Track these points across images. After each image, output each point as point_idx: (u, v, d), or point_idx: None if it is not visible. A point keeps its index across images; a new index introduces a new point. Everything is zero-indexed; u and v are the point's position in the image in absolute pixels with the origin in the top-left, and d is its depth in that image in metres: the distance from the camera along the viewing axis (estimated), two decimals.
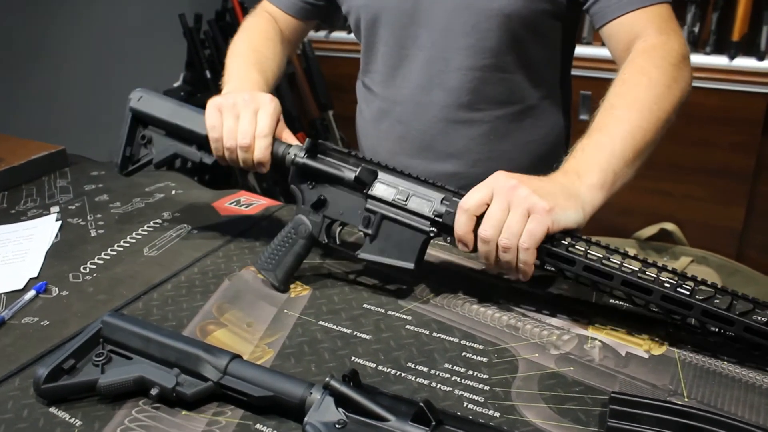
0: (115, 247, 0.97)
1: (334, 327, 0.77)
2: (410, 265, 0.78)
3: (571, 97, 1.14)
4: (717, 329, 0.68)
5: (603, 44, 1.99)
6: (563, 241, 0.71)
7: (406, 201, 0.78)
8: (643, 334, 0.74)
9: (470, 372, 0.68)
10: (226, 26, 2.46)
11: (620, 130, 0.79)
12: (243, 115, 0.84)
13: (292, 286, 0.85)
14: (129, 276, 0.89)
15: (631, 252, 0.70)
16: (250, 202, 1.12)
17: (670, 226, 2.29)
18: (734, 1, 2.04)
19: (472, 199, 0.72)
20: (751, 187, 2.19)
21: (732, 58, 2.06)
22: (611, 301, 0.80)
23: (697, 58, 2.03)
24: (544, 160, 1.08)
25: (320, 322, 0.78)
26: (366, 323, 0.77)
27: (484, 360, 0.70)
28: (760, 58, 2.03)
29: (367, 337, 0.75)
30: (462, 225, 0.73)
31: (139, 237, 1.00)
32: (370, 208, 0.79)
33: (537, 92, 1.04)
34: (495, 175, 0.74)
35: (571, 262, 0.70)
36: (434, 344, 0.73)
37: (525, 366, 0.69)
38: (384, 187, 0.79)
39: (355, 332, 0.76)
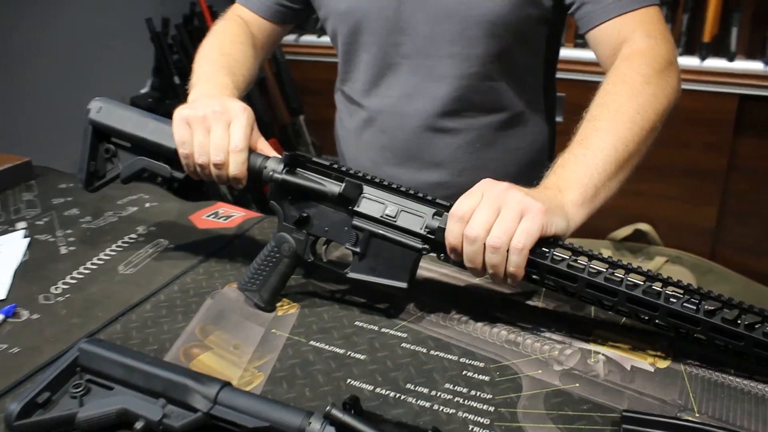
0: (88, 265, 0.92)
1: (327, 347, 0.73)
2: (403, 284, 0.75)
3: (555, 103, 1.12)
4: (724, 344, 0.66)
5: (577, 46, 1.98)
6: (563, 256, 0.68)
7: (395, 217, 0.74)
8: (646, 346, 0.72)
9: (473, 392, 0.66)
10: (194, 31, 2.40)
11: (601, 143, 0.77)
12: (215, 129, 0.78)
13: (278, 304, 0.81)
14: (105, 296, 0.84)
15: (607, 254, 0.68)
16: (228, 215, 1.07)
17: (644, 227, 2.30)
18: (704, 2, 2.06)
19: (463, 206, 0.69)
20: (724, 187, 2.21)
21: (703, 59, 2.08)
22: (609, 312, 0.78)
23: None
24: (531, 167, 1.06)
25: (311, 342, 0.74)
26: (359, 342, 0.74)
27: (486, 379, 0.68)
28: (731, 59, 2.06)
29: (362, 357, 0.71)
30: (455, 234, 0.70)
31: (113, 254, 0.95)
32: (357, 225, 0.76)
33: (523, 99, 1.02)
34: (484, 180, 0.72)
35: (572, 278, 0.68)
36: (433, 363, 0.70)
37: (529, 384, 0.67)
38: (371, 203, 0.75)
39: (349, 352, 0.72)
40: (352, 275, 0.76)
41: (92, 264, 0.92)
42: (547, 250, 0.69)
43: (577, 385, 0.67)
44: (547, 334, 0.74)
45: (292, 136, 2.69)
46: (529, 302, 0.81)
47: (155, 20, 2.29)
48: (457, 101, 0.98)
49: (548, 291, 0.82)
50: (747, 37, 2.08)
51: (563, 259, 0.68)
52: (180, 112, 0.80)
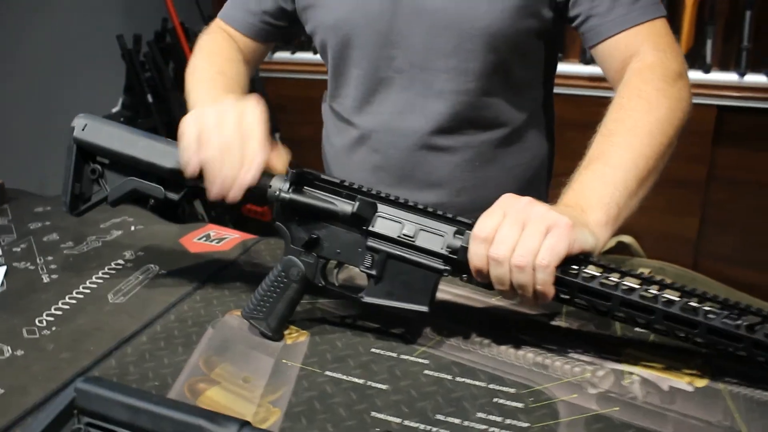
0: (74, 295, 0.85)
1: (344, 377, 0.68)
2: (424, 308, 0.70)
3: (553, 118, 1.09)
4: (766, 360, 0.63)
5: (560, 60, 1.91)
6: (594, 273, 0.65)
7: (413, 237, 0.69)
8: (680, 365, 0.68)
9: (507, 421, 0.61)
10: (167, 47, 2.33)
11: (621, 160, 0.74)
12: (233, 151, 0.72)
13: (286, 332, 0.76)
14: (95, 328, 0.78)
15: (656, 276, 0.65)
16: (221, 237, 1.02)
17: (627, 239, 2.29)
18: (679, 15, 2.08)
19: (485, 226, 0.65)
20: (704, 197, 2.23)
21: None
22: (636, 329, 0.75)
23: None
24: (530, 185, 1.03)
25: (327, 372, 0.69)
26: (379, 370, 0.69)
27: (520, 405, 0.63)
28: (706, 71, 2.08)
29: (383, 386, 0.66)
30: (480, 255, 0.66)
31: (101, 281, 0.88)
32: (373, 246, 0.71)
33: (522, 114, 0.99)
34: (504, 197, 0.68)
35: (605, 296, 0.64)
36: (460, 390, 0.66)
37: (566, 410, 0.63)
38: (387, 223, 0.70)
39: (369, 382, 0.67)
40: (367, 300, 0.72)
41: (78, 293, 0.85)
42: (577, 267, 0.65)
43: (617, 408, 0.63)
44: (576, 356, 0.70)
45: None
46: (553, 323, 0.77)
47: (126, 37, 2.21)
48: (453, 118, 0.94)
49: (570, 310, 0.78)
50: (720, 48, 2.11)
51: (594, 277, 0.65)
52: (189, 129, 0.74)
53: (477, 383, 0.67)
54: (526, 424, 0.61)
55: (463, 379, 0.67)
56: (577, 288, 0.65)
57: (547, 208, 0.65)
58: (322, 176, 0.72)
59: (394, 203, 0.70)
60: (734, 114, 2.09)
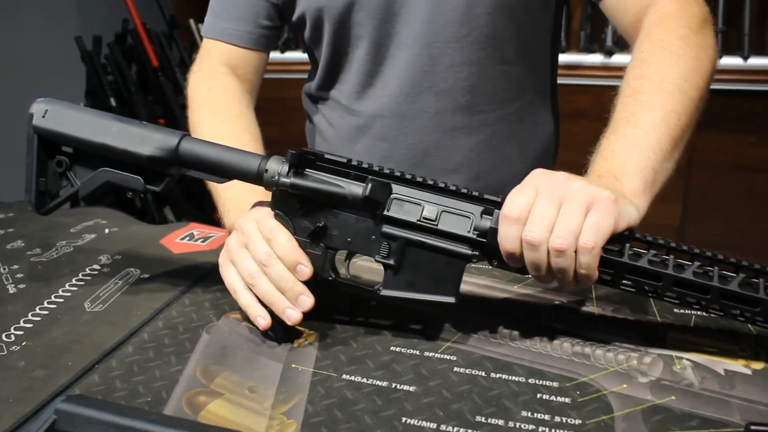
0: (45, 305, 0.75)
1: (365, 380, 0.60)
2: (450, 299, 0.62)
3: (557, 91, 1.03)
4: None
5: None
6: (641, 251, 0.58)
7: (435, 220, 0.62)
8: (732, 347, 0.62)
9: (558, 419, 0.54)
10: (128, 49, 2.22)
11: (652, 119, 0.68)
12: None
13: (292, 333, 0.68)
14: (72, 341, 0.68)
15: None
16: (205, 236, 0.93)
17: None
18: None
19: (517, 204, 0.58)
20: (686, 183, 2.21)
21: None
22: (676, 310, 0.69)
23: (624, 58, 2.02)
24: (542, 161, 0.97)
25: (345, 376, 0.61)
26: (403, 371, 0.61)
27: (567, 401, 0.56)
28: None
29: (411, 388, 0.59)
30: (511, 238, 0.58)
31: (75, 289, 0.79)
32: (389, 233, 0.63)
33: (533, 85, 0.93)
34: (535, 172, 0.61)
35: (656, 276, 0.58)
36: (498, 387, 0.58)
37: (618, 402, 0.56)
38: (404, 205, 0.62)
39: (394, 384, 0.59)
40: (385, 292, 0.64)
41: (50, 303, 0.76)
42: (620, 245, 0.58)
43: (673, 398, 0.56)
44: (617, 342, 0.64)
45: None
46: (584, 309, 0.70)
47: (85, 39, 2.10)
48: (468, 92, 0.87)
49: (600, 294, 0.72)
50: None
51: (641, 255, 0.58)
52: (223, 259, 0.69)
53: (515, 378, 0.59)
54: (578, 421, 0.54)
55: (499, 375, 0.60)
56: (625, 268, 0.58)
57: (585, 182, 0.59)
58: (326, 155, 0.64)
59: (412, 182, 0.63)
60: (712, 97, 2.07)
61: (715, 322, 0.66)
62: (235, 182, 0.68)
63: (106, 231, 0.95)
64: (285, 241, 0.64)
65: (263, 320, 0.64)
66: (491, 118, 0.89)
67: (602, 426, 0.53)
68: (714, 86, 2.19)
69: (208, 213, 2.21)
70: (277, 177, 0.64)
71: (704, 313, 0.60)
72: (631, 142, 0.67)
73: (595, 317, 0.69)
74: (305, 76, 1.05)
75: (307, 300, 0.64)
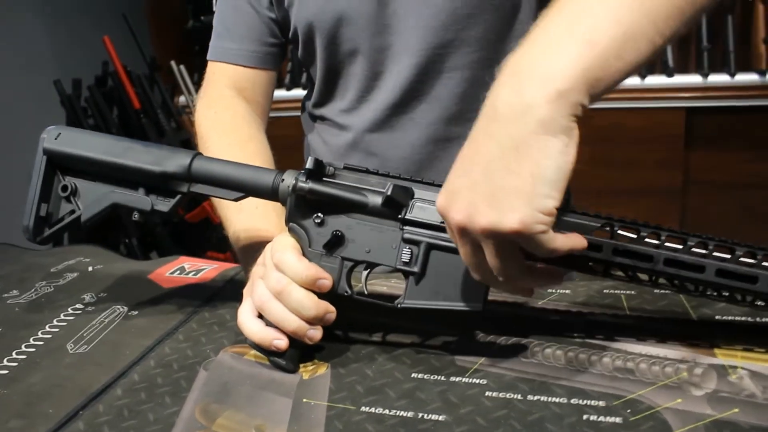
0: (23, 349, 0.68)
1: (387, 412, 0.53)
2: (478, 306, 0.57)
3: None
4: None
5: None
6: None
7: None
8: None
9: None
10: (109, 92, 2.17)
11: None
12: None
13: (301, 364, 0.61)
14: (53, 385, 0.61)
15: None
16: (198, 269, 0.86)
17: None
18: None
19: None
20: (682, 203, 2.18)
21: (643, 77, 2.08)
22: (717, 317, 0.63)
23: None
24: None
25: (364, 408, 0.54)
26: (428, 399, 0.55)
27: (618, 420, 0.50)
28: (669, 75, 2.06)
29: (441, 417, 0.52)
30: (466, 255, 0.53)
31: (56, 330, 0.72)
32: (411, 238, 0.58)
33: None
34: (441, 191, 0.52)
35: (647, 257, 0.53)
36: (538, 411, 0.52)
37: (676, 419, 0.50)
38: (427, 208, 0.58)
39: (420, 414, 0.53)
40: (408, 304, 0.58)
41: (28, 347, 0.69)
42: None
43: (736, 410, 0.50)
44: (656, 352, 0.58)
45: None
46: (618, 320, 0.64)
47: (64, 82, 2.05)
48: (460, 100, 0.83)
49: (632, 299, 0.67)
50: (677, 51, 2.10)
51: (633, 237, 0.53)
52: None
53: (556, 400, 0.53)
54: None
55: (537, 397, 0.53)
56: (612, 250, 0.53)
57: (488, 223, 0.49)
58: (344, 164, 0.60)
59: (433, 185, 0.58)
60: (703, 115, 2.06)
61: (761, 327, 0.60)
62: (246, 208, 0.62)
63: (90, 269, 0.88)
64: (295, 261, 0.59)
65: (281, 342, 0.58)
66: None
67: None
68: (704, 104, 2.16)
69: (197, 255, 2.13)
70: (296, 182, 0.59)
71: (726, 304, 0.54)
72: (556, 17, 0.49)
73: (630, 327, 0.63)
74: (298, 113, 1.00)
75: (332, 315, 0.60)
